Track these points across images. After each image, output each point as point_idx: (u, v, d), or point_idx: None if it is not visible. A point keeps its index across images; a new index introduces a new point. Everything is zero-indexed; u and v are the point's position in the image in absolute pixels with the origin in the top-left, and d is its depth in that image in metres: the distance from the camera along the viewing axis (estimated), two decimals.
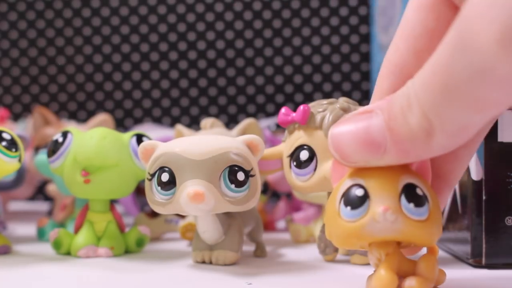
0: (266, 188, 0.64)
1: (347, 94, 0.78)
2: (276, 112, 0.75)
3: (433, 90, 0.24)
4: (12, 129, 0.47)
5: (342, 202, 0.28)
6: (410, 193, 0.28)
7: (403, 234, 0.27)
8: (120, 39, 0.80)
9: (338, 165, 0.30)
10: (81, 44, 0.80)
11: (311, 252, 0.43)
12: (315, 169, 0.38)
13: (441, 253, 0.42)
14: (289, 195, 0.60)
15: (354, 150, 0.27)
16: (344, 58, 0.78)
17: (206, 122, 0.47)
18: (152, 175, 0.36)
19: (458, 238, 0.39)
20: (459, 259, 0.40)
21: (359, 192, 0.28)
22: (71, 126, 0.49)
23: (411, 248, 0.31)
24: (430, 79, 0.25)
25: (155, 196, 0.36)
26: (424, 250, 0.30)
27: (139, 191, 0.55)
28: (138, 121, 0.80)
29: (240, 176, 0.36)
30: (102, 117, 0.56)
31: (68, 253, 0.42)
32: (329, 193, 0.39)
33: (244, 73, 0.79)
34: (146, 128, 0.65)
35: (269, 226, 0.56)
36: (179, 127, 0.49)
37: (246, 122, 0.48)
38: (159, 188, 0.36)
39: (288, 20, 0.79)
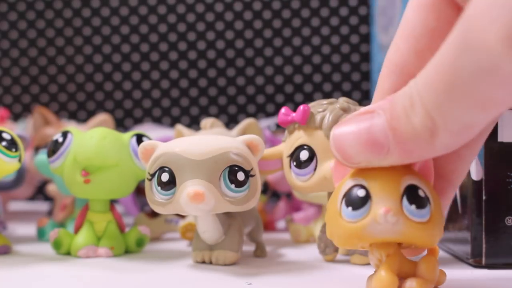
0: (266, 188, 0.64)
1: (347, 94, 0.78)
2: (276, 112, 0.75)
3: (437, 89, 0.24)
4: (12, 129, 0.47)
5: (343, 202, 0.28)
6: (412, 194, 0.28)
7: (404, 236, 0.27)
8: (120, 39, 0.80)
9: (339, 166, 0.30)
10: (81, 44, 0.80)
11: (311, 252, 0.43)
12: (315, 169, 0.38)
13: (441, 253, 0.42)
14: (289, 195, 0.60)
15: (357, 150, 0.27)
16: (344, 58, 0.78)
17: (206, 122, 0.47)
18: (152, 175, 0.36)
19: (458, 238, 0.39)
20: (459, 259, 0.40)
21: (360, 192, 0.28)
22: (71, 126, 0.49)
23: (413, 249, 0.31)
24: (433, 78, 0.24)
25: (155, 196, 0.36)
26: (424, 251, 0.30)
27: (139, 191, 0.55)
28: (138, 121, 0.80)
29: (240, 176, 0.36)
30: (102, 117, 0.56)
31: (68, 253, 0.42)
32: (329, 193, 0.39)
33: (244, 73, 0.79)
34: (146, 128, 0.65)
35: (269, 226, 0.56)
36: (179, 127, 0.49)
37: (246, 122, 0.48)
38: (159, 188, 0.36)
39: (288, 20, 0.79)
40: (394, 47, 0.30)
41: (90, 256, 0.42)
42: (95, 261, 0.40)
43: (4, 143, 0.40)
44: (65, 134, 0.42)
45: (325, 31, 0.78)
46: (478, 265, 0.38)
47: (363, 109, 0.28)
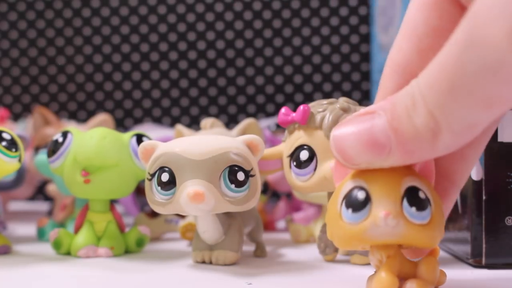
0: (266, 188, 0.64)
1: (347, 94, 0.78)
2: (276, 112, 0.75)
3: (440, 88, 0.24)
4: (12, 129, 0.47)
5: (343, 204, 0.28)
6: (412, 196, 0.27)
7: (405, 238, 0.27)
8: (120, 39, 0.80)
9: (340, 166, 0.30)
10: (81, 44, 0.80)
11: (311, 252, 0.43)
12: (315, 169, 0.38)
13: (441, 253, 0.42)
14: (289, 195, 0.60)
15: (358, 151, 0.27)
16: (344, 58, 0.78)
17: (206, 122, 0.47)
18: (152, 175, 0.36)
19: (458, 238, 0.39)
20: (459, 259, 0.40)
21: (360, 194, 0.28)
22: (71, 126, 0.49)
23: (414, 250, 0.30)
24: (436, 77, 0.24)
25: (155, 196, 0.36)
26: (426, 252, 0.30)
27: (139, 191, 0.55)
28: (138, 121, 0.80)
29: (240, 176, 0.36)
30: (102, 117, 0.56)
31: (68, 253, 0.42)
32: (330, 193, 0.39)
33: (244, 73, 0.79)
34: (146, 128, 0.65)
35: (269, 226, 0.56)
36: (179, 127, 0.49)
37: (246, 122, 0.48)
38: (159, 188, 0.36)
39: (288, 20, 0.79)
40: (396, 46, 0.30)
41: (90, 256, 0.42)
42: (95, 261, 0.40)
43: (4, 143, 0.40)
44: (65, 134, 0.42)
45: (325, 31, 0.78)
46: (478, 265, 0.38)
47: (363, 110, 0.27)
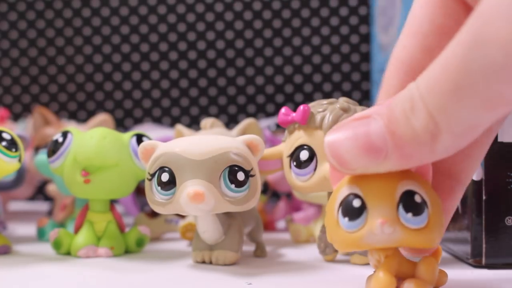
0: (266, 188, 0.64)
1: (347, 94, 0.78)
2: (276, 112, 0.75)
3: (442, 89, 0.24)
4: (12, 129, 0.47)
5: (340, 211, 0.28)
6: (408, 201, 0.27)
7: (402, 242, 0.27)
8: (120, 39, 0.80)
9: (335, 171, 0.29)
10: (81, 44, 0.80)
11: (311, 252, 0.43)
12: (315, 169, 0.38)
13: None
14: (289, 195, 0.60)
15: (354, 156, 0.27)
16: (344, 58, 0.78)
17: (206, 122, 0.47)
18: (152, 175, 0.36)
19: (458, 238, 0.39)
20: (459, 259, 0.40)
21: (356, 203, 0.28)
22: (71, 126, 0.49)
23: (417, 249, 0.30)
24: (438, 78, 0.24)
25: (155, 196, 0.36)
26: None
27: (139, 191, 0.55)
28: (138, 121, 0.80)
29: (240, 176, 0.36)
30: (102, 117, 0.56)
31: (68, 253, 0.42)
32: (329, 193, 0.39)
33: (244, 73, 0.79)
34: (146, 128, 0.65)
35: (269, 226, 0.56)
36: (179, 127, 0.49)
37: (246, 122, 0.48)
38: (159, 188, 0.36)
39: (288, 20, 0.79)
40: (400, 44, 0.30)
41: (90, 256, 0.42)
42: (95, 261, 0.40)
43: (4, 143, 0.40)
44: (65, 134, 0.42)
45: (325, 31, 0.78)
46: (478, 265, 0.38)
47: (357, 114, 0.27)
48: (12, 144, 0.40)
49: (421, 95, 0.25)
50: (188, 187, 0.34)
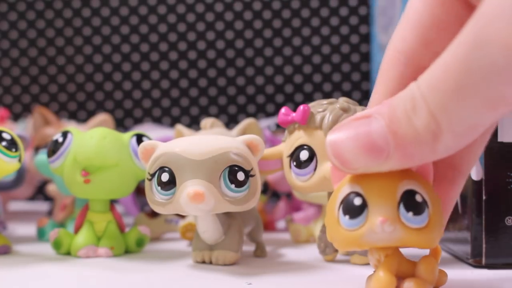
0: (266, 188, 0.64)
1: (347, 94, 0.78)
2: (276, 112, 0.75)
3: (443, 89, 0.24)
4: (12, 129, 0.47)
5: (341, 209, 0.28)
6: (409, 201, 0.27)
7: (402, 242, 0.27)
8: (120, 39, 0.80)
9: (336, 170, 0.29)
10: (81, 44, 0.80)
11: (311, 252, 0.43)
12: (315, 169, 0.38)
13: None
14: (289, 195, 0.60)
15: (355, 156, 0.27)
16: (344, 58, 0.78)
17: (206, 122, 0.47)
18: (152, 175, 0.36)
19: (458, 238, 0.39)
20: (459, 259, 0.40)
21: (357, 201, 0.28)
22: (71, 126, 0.49)
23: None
24: (440, 78, 0.24)
25: (155, 196, 0.36)
26: (426, 251, 0.30)
27: (139, 191, 0.55)
28: (138, 121, 0.80)
29: (240, 176, 0.36)
30: (102, 117, 0.56)
31: (68, 253, 0.42)
32: (329, 193, 0.39)
33: (244, 73, 0.79)
34: (146, 128, 0.65)
35: (269, 226, 0.56)
36: (179, 127, 0.49)
37: (246, 122, 0.48)
38: (159, 188, 0.36)
39: (288, 20, 0.79)
40: (399, 35, 0.30)
41: (90, 256, 0.42)
42: (95, 261, 0.40)
43: (4, 143, 0.40)
44: (65, 134, 0.42)
45: (325, 31, 0.78)
46: (478, 265, 0.38)
47: (358, 114, 0.27)
48: (12, 144, 0.40)
49: (422, 94, 0.25)
50: (188, 187, 0.34)
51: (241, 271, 0.37)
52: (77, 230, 0.43)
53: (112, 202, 0.44)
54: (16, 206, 0.74)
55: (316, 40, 0.78)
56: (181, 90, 0.80)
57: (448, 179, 0.30)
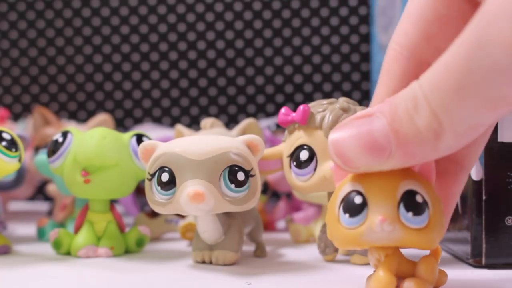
0: (266, 188, 0.64)
1: (347, 94, 0.78)
2: (276, 112, 0.75)
3: (445, 88, 0.24)
4: (12, 129, 0.47)
5: (341, 208, 0.28)
6: (409, 201, 0.27)
7: (401, 242, 0.27)
8: (120, 39, 0.80)
9: (339, 169, 0.29)
10: (81, 44, 0.80)
11: (311, 252, 0.43)
12: (315, 169, 0.38)
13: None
14: (289, 195, 0.60)
15: (358, 155, 0.27)
16: (344, 58, 0.78)
17: (206, 122, 0.47)
18: (152, 175, 0.36)
19: (458, 238, 0.39)
20: (459, 259, 0.40)
21: (357, 199, 0.28)
22: (71, 126, 0.49)
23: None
24: (441, 77, 0.24)
25: (155, 196, 0.36)
26: (426, 251, 0.30)
27: (139, 191, 0.55)
28: (138, 121, 0.80)
29: (240, 176, 0.36)
30: (102, 117, 0.56)
31: (68, 253, 0.42)
32: (329, 193, 0.39)
33: (244, 73, 0.79)
34: (146, 128, 0.65)
35: (269, 226, 0.56)
36: (179, 127, 0.49)
37: (246, 122, 0.48)
38: (159, 188, 0.36)
39: (288, 20, 0.79)
40: (401, 30, 0.29)
41: (90, 256, 0.42)
42: (95, 261, 0.40)
43: (4, 143, 0.40)
44: (65, 134, 0.42)
45: (325, 31, 0.78)
46: (478, 265, 0.38)
47: (359, 113, 0.27)
48: (12, 144, 0.40)
49: (424, 93, 0.25)
50: (188, 187, 0.34)
51: (241, 271, 0.37)
52: (77, 230, 0.43)
53: (112, 202, 0.44)
54: (16, 206, 0.74)
55: (316, 40, 0.78)
56: (181, 90, 0.80)
57: (451, 174, 0.30)
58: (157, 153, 0.36)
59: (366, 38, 0.78)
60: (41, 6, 0.80)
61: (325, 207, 0.48)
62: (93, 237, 0.42)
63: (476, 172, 0.37)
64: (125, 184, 0.42)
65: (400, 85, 0.29)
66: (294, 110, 0.39)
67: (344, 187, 0.29)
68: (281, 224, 0.58)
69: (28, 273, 0.37)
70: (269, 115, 0.78)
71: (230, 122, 0.78)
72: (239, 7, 0.79)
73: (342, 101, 0.38)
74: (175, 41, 0.79)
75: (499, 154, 0.37)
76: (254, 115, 0.78)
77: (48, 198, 0.77)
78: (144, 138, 0.42)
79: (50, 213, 0.61)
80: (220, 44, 0.79)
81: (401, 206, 0.27)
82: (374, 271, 0.29)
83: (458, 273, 0.37)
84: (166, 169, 0.35)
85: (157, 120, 0.79)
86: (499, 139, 0.37)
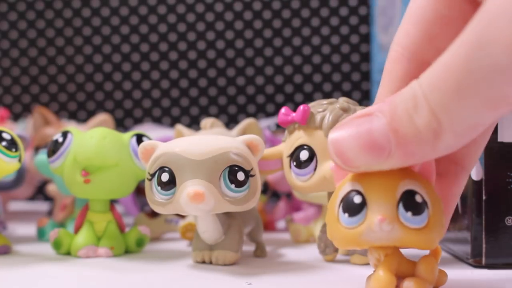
0: (266, 188, 0.64)
1: (347, 94, 0.78)
2: (276, 112, 0.75)
3: (445, 88, 0.24)
4: (12, 129, 0.47)
5: (340, 207, 0.28)
6: (408, 200, 0.27)
7: (401, 242, 0.27)
8: (120, 39, 0.80)
9: (339, 169, 0.29)
10: (81, 44, 0.80)
11: (311, 252, 0.43)
12: (315, 169, 0.38)
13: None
14: (289, 195, 0.60)
15: (357, 154, 0.27)
16: (344, 58, 0.78)
17: (206, 122, 0.47)
18: (152, 175, 0.36)
19: (458, 238, 0.39)
20: (459, 259, 0.40)
21: (357, 199, 0.28)
22: (71, 126, 0.49)
23: None
24: (441, 77, 0.24)
25: (155, 196, 0.36)
26: (426, 251, 0.30)
27: (139, 191, 0.55)
28: (138, 121, 0.80)
29: (240, 176, 0.36)
30: (102, 117, 0.56)
31: (68, 253, 0.42)
32: (329, 193, 0.39)
33: (244, 73, 0.79)
34: (146, 128, 0.65)
35: (269, 226, 0.56)
36: (179, 127, 0.49)
37: (246, 122, 0.48)
38: (159, 188, 0.36)
39: (288, 20, 0.79)
40: (403, 31, 0.30)
41: (90, 256, 0.42)
42: (95, 261, 0.40)
43: (4, 143, 0.40)
44: (65, 134, 0.42)
45: (325, 31, 0.78)
46: (478, 265, 0.38)
47: (359, 112, 0.27)
48: (12, 144, 0.40)
49: (424, 93, 0.25)
50: (188, 187, 0.34)
51: (241, 271, 0.37)
52: (77, 230, 0.43)
53: (112, 202, 0.44)
54: (16, 206, 0.74)
55: (316, 40, 0.78)
56: (181, 90, 0.80)
57: (451, 175, 0.30)
58: (157, 153, 0.36)
59: (366, 38, 0.78)
60: (41, 6, 0.80)
61: (325, 207, 0.48)
62: (93, 237, 0.42)
63: (476, 172, 0.37)
64: (125, 184, 0.42)
65: (401, 86, 0.29)
66: (294, 110, 0.39)
67: (344, 187, 0.29)
68: (281, 224, 0.58)
69: (28, 273, 0.37)
70: (269, 115, 0.78)
71: (230, 122, 0.78)
72: (239, 7, 0.79)
73: (342, 101, 0.38)
74: (175, 41, 0.79)
75: (499, 154, 0.37)
76: (254, 115, 0.78)
77: (48, 198, 0.77)
78: (144, 138, 0.42)
79: (50, 213, 0.61)
80: (220, 44, 0.79)
81: (401, 205, 0.27)
82: (374, 271, 0.29)
83: (458, 273, 0.37)
84: (166, 169, 0.35)
85: (157, 120, 0.79)
86: (499, 139, 0.37)
